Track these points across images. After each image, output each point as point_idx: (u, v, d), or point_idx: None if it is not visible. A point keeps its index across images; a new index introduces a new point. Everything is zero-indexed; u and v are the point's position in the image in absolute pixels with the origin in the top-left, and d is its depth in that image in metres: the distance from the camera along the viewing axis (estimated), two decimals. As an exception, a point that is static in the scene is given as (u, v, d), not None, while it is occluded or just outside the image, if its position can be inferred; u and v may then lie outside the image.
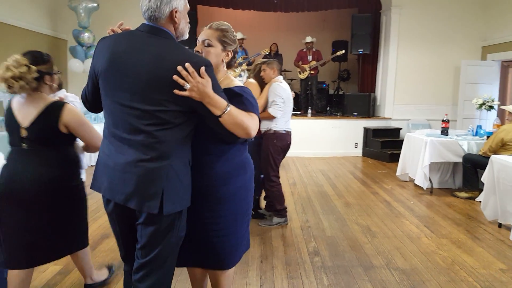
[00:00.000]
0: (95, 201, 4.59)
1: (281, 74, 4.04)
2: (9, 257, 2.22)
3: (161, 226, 1.67)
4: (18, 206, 2.16)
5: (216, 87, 1.63)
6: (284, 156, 4.02)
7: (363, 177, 6.31)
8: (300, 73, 8.79)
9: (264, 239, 3.64)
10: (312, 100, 8.82)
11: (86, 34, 7.51)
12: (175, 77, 1.54)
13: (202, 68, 1.57)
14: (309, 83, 8.66)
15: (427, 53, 8.33)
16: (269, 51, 8.84)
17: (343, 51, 8.56)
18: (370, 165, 7.34)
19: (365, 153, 8.23)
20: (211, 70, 1.62)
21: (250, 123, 1.70)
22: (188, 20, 1.77)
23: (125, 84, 1.59)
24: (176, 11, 1.66)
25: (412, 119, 8.37)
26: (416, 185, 5.57)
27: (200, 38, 1.88)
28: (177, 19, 1.68)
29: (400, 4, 8.22)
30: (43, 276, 2.86)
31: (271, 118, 3.79)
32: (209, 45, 1.85)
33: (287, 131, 3.93)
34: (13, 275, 2.25)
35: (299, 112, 8.80)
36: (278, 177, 3.96)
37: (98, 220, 4.06)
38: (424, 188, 5.38)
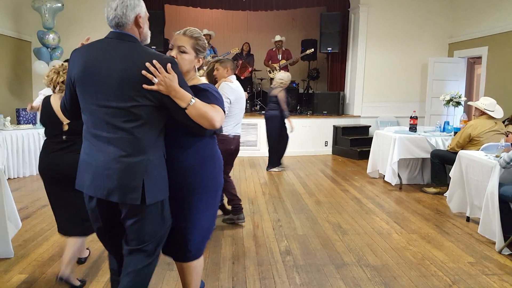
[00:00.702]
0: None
1: (235, 74, 3.92)
2: (65, 227, 2.77)
3: (145, 216, 1.81)
4: (63, 187, 2.59)
5: (182, 82, 1.78)
6: (231, 161, 3.85)
7: (333, 175, 6.35)
8: (270, 72, 8.78)
9: (235, 240, 3.58)
10: (283, 99, 8.80)
11: (51, 36, 7.26)
12: (144, 72, 1.69)
13: (169, 65, 1.72)
14: (280, 83, 8.64)
15: (395, 51, 8.49)
16: (239, 50, 8.78)
17: (312, 50, 8.61)
18: (340, 163, 7.40)
19: (335, 151, 8.29)
20: (176, 67, 1.78)
21: (213, 114, 1.83)
22: (148, 25, 1.91)
23: (100, 87, 1.74)
24: (139, 17, 1.83)
25: (381, 117, 8.50)
26: (385, 182, 5.64)
27: (174, 43, 2.00)
28: (141, 24, 1.85)
29: (368, 3, 8.33)
30: (8, 286, 2.72)
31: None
32: (184, 52, 1.98)
33: (235, 136, 3.74)
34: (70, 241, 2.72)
35: (270, 112, 8.76)
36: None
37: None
38: (393, 185, 5.45)
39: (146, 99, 1.73)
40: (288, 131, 6.50)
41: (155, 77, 1.69)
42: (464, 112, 6.80)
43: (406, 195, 5.19)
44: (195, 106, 1.78)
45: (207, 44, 2.08)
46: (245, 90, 9.23)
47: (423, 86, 8.50)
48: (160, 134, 1.85)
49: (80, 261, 3.08)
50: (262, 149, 8.05)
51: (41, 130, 6.21)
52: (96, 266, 3.04)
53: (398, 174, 5.42)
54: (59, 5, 7.24)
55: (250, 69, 8.95)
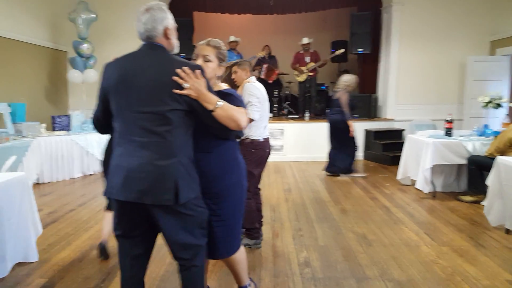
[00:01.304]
0: (87, 211, 4.54)
1: (253, 75, 3.75)
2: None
3: (180, 213, 1.92)
4: None
5: (209, 87, 1.93)
6: (263, 167, 3.61)
7: (362, 182, 6.12)
8: (298, 76, 8.64)
9: (253, 249, 3.49)
10: (311, 103, 8.66)
11: (85, 45, 7.49)
12: (175, 78, 1.85)
13: (198, 71, 1.88)
14: (308, 86, 8.50)
15: (430, 50, 8.13)
16: (265, 54, 8.71)
17: (343, 50, 8.39)
18: (371, 169, 7.14)
19: (367, 156, 8.02)
20: (204, 74, 1.92)
21: (240, 116, 1.96)
22: (177, 35, 2.07)
23: (135, 94, 1.88)
24: (168, 29, 1.98)
25: (416, 120, 8.15)
26: (418, 189, 5.35)
27: (199, 52, 2.18)
28: (169, 35, 1.99)
29: (401, 1, 8.03)
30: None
31: (248, 122, 3.53)
32: (208, 61, 2.16)
33: (265, 139, 3.55)
34: None
35: (296, 116, 8.65)
36: (254, 192, 3.53)
37: (89, 230, 3.97)
38: (426, 192, 5.17)
39: (177, 103, 1.86)
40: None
41: (185, 83, 1.85)
42: (506, 114, 6.40)
43: (439, 203, 4.91)
44: (222, 108, 1.92)
45: (226, 53, 2.26)
46: (272, 94, 9.22)
47: (461, 87, 8.08)
48: (188, 137, 1.97)
49: None
50: (288, 154, 7.94)
51: (74, 136, 6.42)
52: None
53: (432, 181, 5.15)
54: (93, 16, 7.49)
55: (277, 71, 8.85)
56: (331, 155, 6.55)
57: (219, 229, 2.15)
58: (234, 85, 3.63)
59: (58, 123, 6.80)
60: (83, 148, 6.55)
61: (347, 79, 6.37)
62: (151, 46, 1.96)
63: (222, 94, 2.05)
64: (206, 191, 2.06)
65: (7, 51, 6.53)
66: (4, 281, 2.90)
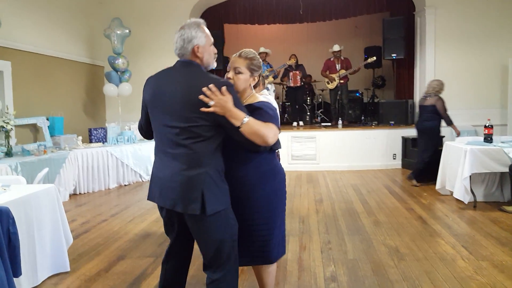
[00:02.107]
0: (118, 222, 4.63)
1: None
2: None
3: (209, 225, 1.99)
4: None
5: (237, 103, 1.96)
6: None
7: (399, 192, 5.89)
8: (329, 83, 8.51)
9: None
10: (343, 110, 8.49)
11: (120, 60, 7.75)
12: (201, 96, 1.90)
13: (223, 88, 1.91)
14: (339, 93, 8.35)
15: (468, 53, 7.79)
16: (295, 61, 8.65)
17: (374, 58, 8.20)
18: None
19: (405, 165, 7.73)
20: (231, 89, 1.96)
21: (266, 132, 1.96)
22: (214, 51, 2.14)
23: (166, 109, 1.99)
24: (197, 48, 2.04)
25: (456, 125, 7.77)
26: (457, 200, 5.07)
27: (231, 65, 2.21)
28: (200, 53, 2.05)
29: (435, 4, 7.77)
30: None
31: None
32: (239, 72, 2.17)
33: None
34: None
35: (329, 124, 8.50)
36: None
37: (118, 241, 4.04)
38: (466, 202, 4.89)
39: (204, 120, 1.93)
40: (454, 136, 6.17)
41: (211, 100, 1.89)
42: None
43: (480, 214, 4.63)
44: (248, 124, 1.93)
45: (261, 63, 2.26)
46: (305, 101, 9.12)
47: (504, 91, 7.65)
48: (216, 149, 2.02)
49: None
50: (321, 163, 7.79)
51: (110, 148, 6.60)
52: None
53: (472, 190, 4.87)
54: (127, 31, 7.74)
55: (297, 73, 8.70)
56: (422, 165, 6.15)
57: (260, 238, 2.20)
58: None
59: (95, 135, 7.04)
60: (119, 159, 6.72)
61: (436, 84, 6.17)
62: (183, 63, 2.06)
63: (253, 108, 2.08)
64: (244, 201, 2.14)
65: (46, 68, 6.86)
66: (33, 290, 2.98)
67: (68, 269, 3.28)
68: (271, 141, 1.99)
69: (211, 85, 1.90)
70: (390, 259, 3.42)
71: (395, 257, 3.47)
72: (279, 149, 2.39)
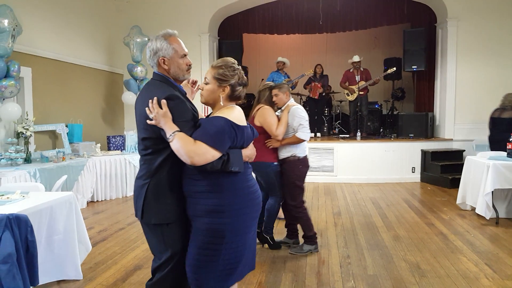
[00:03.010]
0: (136, 230, 4.63)
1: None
2: None
3: (147, 233, 2.12)
4: None
5: (177, 117, 1.92)
6: (303, 183, 3.95)
7: (418, 206, 5.77)
8: (348, 95, 8.44)
9: (297, 276, 3.35)
10: (363, 122, 8.40)
11: (139, 68, 7.81)
12: (146, 108, 1.94)
13: (163, 101, 1.92)
14: (359, 104, 8.27)
15: (490, 65, 7.65)
16: (312, 72, 8.62)
17: (394, 69, 8.13)
18: (429, 192, 6.73)
19: (424, 179, 7.59)
20: (171, 103, 1.92)
21: (187, 149, 1.85)
22: (187, 63, 2.10)
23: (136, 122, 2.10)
24: (163, 60, 2.05)
25: (477, 140, 7.62)
26: (479, 215, 4.95)
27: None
28: (166, 65, 2.06)
29: (457, 16, 7.67)
30: None
31: (300, 142, 3.78)
32: (206, 83, 2.11)
33: (306, 155, 3.92)
34: None
35: (347, 135, 8.41)
36: (303, 202, 3.92)
37: (135, 250, 4.03)
38: (487, 218, 4.76)
39: (150, 132, 1.97)
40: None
41: (151, 113, 1.91)
42: None
43: (503, 231, 4.49)
44: (174, 140, 1.87)
45: (234, 72, 2.09)
46: (323, 112, 9.05)
47: (527, 104, 7.47)
48: (164, 162, 1.99)
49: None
50: (339, 175, 7.70)
51: (128, 156, 6.65)
52: None
53: (494, 206, 4.74)
54: (146, 39, 7.81)
55: (318, 85, 8.68)
56: None
57: (191, 261, 2.02)
58: (274, 106, 3.90)
59: (113, 143, 7.10)
60: (136, 167, 6.75)
61: None
62: (153, 75, 2.11)
63: (201, 122, 2.01)
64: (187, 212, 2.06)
65: (66, 75, 6.96)
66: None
67: (81, 277, 3.26)
68: (192, 161, 1.86)
69: (154, 98, 1.91)
70: (411, 276, 3.33)
71: (416, 273, 3.38)
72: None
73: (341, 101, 9.44)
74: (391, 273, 3.39)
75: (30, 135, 5.33)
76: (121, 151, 7.00)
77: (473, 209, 5.18)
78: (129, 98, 7.80)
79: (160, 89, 1.99)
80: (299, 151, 3.79)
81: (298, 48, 10.28)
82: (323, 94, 8.96)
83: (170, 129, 1.89)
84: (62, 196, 3.19)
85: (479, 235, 4.39)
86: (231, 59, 2.15)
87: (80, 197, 5.70)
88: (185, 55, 2.11)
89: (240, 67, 2.17)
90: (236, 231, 2.00)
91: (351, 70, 8.45)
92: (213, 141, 1.90)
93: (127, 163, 6.64)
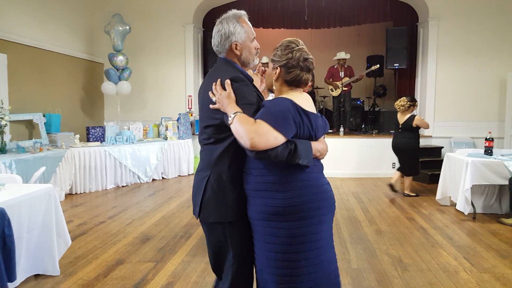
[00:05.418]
0: (117, 224, 4.55)
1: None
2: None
3: (207, 234, 1.91)
4: None
5: (241, 99, 1.74)
6: None
7: (399, 201, 5.87)
8: (332, 91, 8.50)
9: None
10: (346, 118, 8.48)
11: (120, 57, 7.63)
12: (209, 92, 1.80)
13: (227, 81, 1.75)
14: (342, 100, 8.35)
15: (469, 66, 7.83)
16: None
17: (378, 66, 8.22)
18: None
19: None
20: (235, 84, 1.75)
21: (245, 129, 1.62)
22: (256, 46, 1.95)
23: (199, 109, 1.96)
24: (236, 45, 1.88)
25: (455, 137, 7.81)
26: (457, 210, 5.08)
27: None
28: (239, 51, 1.89)
29: (438, 16, 7.80)
30: None
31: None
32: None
33: None
34: None
35: (331, 131, 8.47)
36: None
37: (116, 244, 3.95)
38: (466, 214, 4.89)
39: (213, 119, 1.80)
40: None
41: (214, 96, 1.77)
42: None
43: (480, 226, 4.62)
44: (234, 121, 1.67)
45: (288, 50, 1.85)
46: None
47: (502, 104, 7.70)
48: (226, 152, 1.80)
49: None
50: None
51: (108, 147, 6.51)
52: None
53: (472, 202, 4.86)
54: (127, 28, 7.61)
55: (310, 83, 8.73)
56: None
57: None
58: None
59: (93, 134, 6.94)
60: (117, 160, 6.63)
61: None
62: (219, 60, 1.94)
63: (269, 100, 1.84)
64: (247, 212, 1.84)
65: (44, 62, 6.75)
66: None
67: (58, 273, 3.17)
68: (252, 142, 1.60)
69: (218, 80, 1.76)
70: (394, 270, 3.38)
71: (398, 267, 3.44)
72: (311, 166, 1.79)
73: (324, 97, 9.49)
74: (374, 267, 3.44)
75: (6, 124, 5.14)
76: (101, 142, 6.86)
77: (452, 204, 5.30)
78: (109, 88, 7.63)
79: (224, 71, 1.83)
80: None
81: (283, 43, 10.24)
82: (310, 89, 9.00)
83: (232, 110, 1.69)
84: (41, 189, 3.09)
85: (458, 229, 4.50)
86: (294, 39, 1.90)
87: (58, 190, 5.55)
88: (255, 38, 1.95)
89: (303, 47, 1.88)
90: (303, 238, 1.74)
91: (335, 67, 8.50)
92: (275, 121, 1.65)
93: (107, 155, 6.51)
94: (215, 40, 1.91)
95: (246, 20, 1.93)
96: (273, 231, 1.73)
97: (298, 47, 1.85)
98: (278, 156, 1.65)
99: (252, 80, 1.94)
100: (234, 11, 1.92)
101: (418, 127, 6.04)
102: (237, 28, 1.87)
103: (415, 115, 6.07)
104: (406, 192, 6.14)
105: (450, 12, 7.81)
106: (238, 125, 1.65)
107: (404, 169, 6.18)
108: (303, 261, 1.72)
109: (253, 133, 1.61)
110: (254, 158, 1.71)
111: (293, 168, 1.73)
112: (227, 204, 1.80)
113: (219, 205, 1.81)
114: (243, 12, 1.94)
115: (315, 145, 1.80)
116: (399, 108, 6.11)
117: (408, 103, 6.03)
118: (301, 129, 1.75)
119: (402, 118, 6.11)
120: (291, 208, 1.71)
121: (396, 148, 6.25)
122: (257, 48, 1.96)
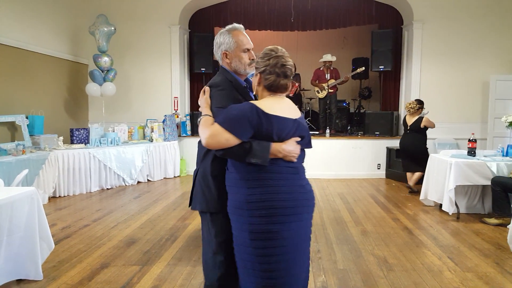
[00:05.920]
0: (101, 227, 4.49)
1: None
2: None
3: (202, 224, 2.15)
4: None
5: (214, 103, 1.98)
6: None
7: (384, 201, 5.93)
8: (318, 92, 8.54)
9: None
10: (332, 120, 8.54)
11: (104, 58, 7.53)
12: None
13: (206, 87, 2.06)
14: (328, 102, 8.40)
15: (452, 68, 7.95)
16: None
17: (363, 68, 8.29)
18: (394, 188, 6.93)
19: (389, 175, 7.81)
20: (212, 90, 2.02)
21: (203, 130, 1.86)
22: (250, 57, 2.12)
23: None
24: (225, 54, 2.12)
25: (439, 138, 7.92)
26: (441, 211, 5.15)
27: None
28: (228, 59, 2.12)
29: (422, 19, 7.91)
30: None
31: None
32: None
33: None
34: None
35: (317, 132, 8.52)
36: None
37: (101, 247, 3.89)
38: (450, 214, 4.96)
39: None
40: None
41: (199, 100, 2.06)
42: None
43: (463, 226, 4.69)
44: (199, 123, 1.94)
45: (266, 56, 1.96)
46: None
47: (485, 106, 7.84)
48: (208, 150, 2.02)
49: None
50: (308, 171, 7.67)
51: (92, 149, 6.43)
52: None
53: (456, 202, 4.94)
54: (112, 28, 7.53)
55: (297, 84, 8.78)
56: None
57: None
58: None
59: (77, 136, 6.84)
60: (101, 162, 6.55)
61: None
62: (219, 67, 2.19)
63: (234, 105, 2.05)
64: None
65: (26, 63, 6.64)
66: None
67: (41, 278, 3.11)
68: (207, 142, 1.81)
69: (205, 86, 2.07)
70: (379, 270, 3.41)
71: (384, 267, 3.46)
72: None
73: (310, 99, 9.54)
74: (360, 267, 3.46)
75: (-13, 126, 5.04)
76: (85, 144, 6.76)
77: (436, 204, 5.38)
78: (94, 89, 7.52)
79: (215, 77, 2.13)
80: None
81: (269, 45, 10.25)
82: (297, 92, 9.03)
83: (203, 113, 1.96)
84: (23, 192, 3.03)
85: (442, 229, 4.56)
86: (274, 47, 1.98)
87: (41, 192, 5.46)
88: (248, 50, 2.13)
89: (282, 55, 1.96)
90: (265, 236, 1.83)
91: (321, 69, 8.54)
92: (228, 124, 1.80)
93: (92, 157, 6.43)
94: (214, 50, 2.19)
95: (241, 32, 2.15)
96: (240, 226, 1.88)
97: (276, 54, 1.95)
98: (234, 154, 1.83)
99: (246, 86, 2.14)
100: (232, 25, 2.16)
101: (425, 128, 6.35)
102: (227, 39, 2.12)
103: (423, 117, 6.34)
104: (411, 184, 6.46)
105: (434, 15, 7.92)
106: (200, 126, 1.91)
107: (411, 168, 6.47)
108: (268, 257, 1.83)
109: (207, 134, 1.82)
110: (219, 156, 1.90)
111: (258, 167, 1.84)
112: (210, 197, 2.05)
113: (204, 196, 2.07)
114: (239, 26, 2.17)
115: (277, 146, 1.85)
116: (409, 110, 6.42)
117: (418, 105, 6.38)
118: (260, 130, 1.84)
119: (410, 120, 6.44)
120: (252, 204, 1.83)
121: (403, 149, 6.55)
122: (252, 59, 2.12)
